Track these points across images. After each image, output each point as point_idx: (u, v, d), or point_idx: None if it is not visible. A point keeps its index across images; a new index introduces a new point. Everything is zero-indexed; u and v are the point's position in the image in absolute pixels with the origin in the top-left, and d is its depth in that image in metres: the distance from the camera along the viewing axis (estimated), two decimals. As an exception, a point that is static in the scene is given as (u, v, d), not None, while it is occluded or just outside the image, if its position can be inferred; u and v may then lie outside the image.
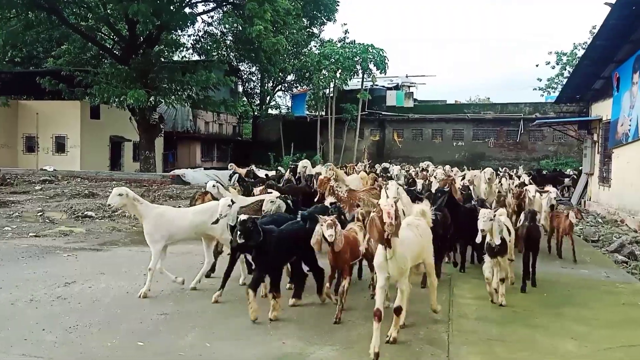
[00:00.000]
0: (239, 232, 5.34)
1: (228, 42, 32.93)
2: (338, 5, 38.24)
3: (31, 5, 23.35)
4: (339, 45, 37.71)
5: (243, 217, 5.59)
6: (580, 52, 37.98)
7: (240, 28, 25.27)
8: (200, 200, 8.26)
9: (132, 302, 6.26)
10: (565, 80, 34.04)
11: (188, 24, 27.30)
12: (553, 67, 45.11)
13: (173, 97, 26.56)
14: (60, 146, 29.80)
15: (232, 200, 6.29)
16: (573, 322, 6.08)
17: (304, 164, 14.06)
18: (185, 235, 7.03)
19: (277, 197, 7.81)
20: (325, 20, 39.36)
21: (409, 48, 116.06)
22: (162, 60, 27.15)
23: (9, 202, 15.00)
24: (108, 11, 25.41)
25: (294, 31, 32.74)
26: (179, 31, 29.53)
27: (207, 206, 7.20)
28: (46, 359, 4.63)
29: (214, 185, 8.65)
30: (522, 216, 7.69)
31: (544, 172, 23.40)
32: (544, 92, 47.31)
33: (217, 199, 8.02)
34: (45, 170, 24.09)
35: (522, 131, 34.87)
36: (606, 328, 5.93)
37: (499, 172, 20.77)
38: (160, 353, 4.82)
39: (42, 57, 31.59)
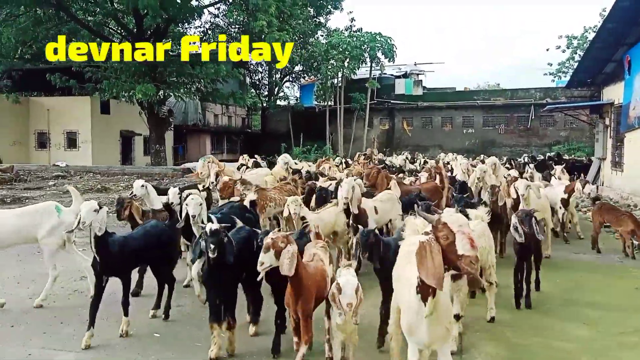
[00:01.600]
0: (212, 246, 4.26)
1: (234, 33, 32.84)
2: (345, -7, 37.98)
3: (39, 2, 23.45)
4: (346, 34, 37.49)
5: (214, 226, 4.42)
6: (590, 36, 37.41)
7: (246, 21, 25.17)
8: (127, 209, 6.76)
9: (149, 295, 6.34)
10: (576, 64, 33.66)
11: (195, 17, 27.29)
12: (564, 51, 44.52)
13: (182, 90, 26.62)
14: (71, 142, 30.04)
15: (99, 205, 5.03)
16: (585, 307, 6.08)
17: (284, 159, 12.82)
18: (7, 241, 5.98)
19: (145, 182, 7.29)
20: (331, 9, 39.12)
21: (416, 35, 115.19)
22: (170, 53, 27.18)
23: (23, 198, 15.19)
24: (115, 5, 25.45)
25: (300, 22, 32.59)
26: (186, 24, 29.52)
27: (33, 208, 6.19)
28: (65, 351, 4.73)
29: (142, 185, 7.34)
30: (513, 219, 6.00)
31: (538, 158, 22.82)
32: (554, 76, 46.73)
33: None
34: (57, 165, 24.32)
35: (533, 117, 34.55)
36: (619, 312, 5.94)
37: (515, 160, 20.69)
38: (176, 343, 4.91)
39: (53, 53, 31.72)
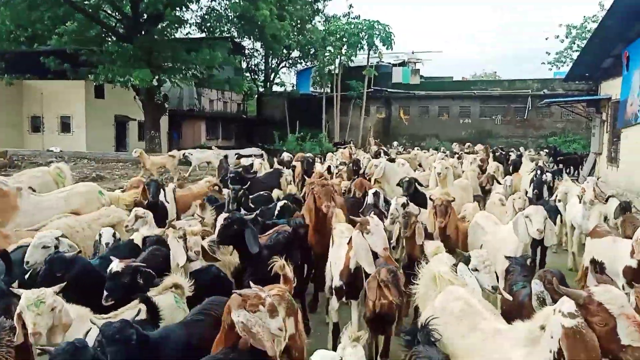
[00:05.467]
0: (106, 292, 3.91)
1: (232, 17, 32.44)
2: (344, -21, 37.67)
3: (35, -16, 23.11)
4: (344, 21, 37.17)
5: (118, 264, 4.05)
6: (590, 25, 37.30)
7: (245, 5, 24.84)
8: None
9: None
10: (575, 54, 33.55)
11: (193, 1, 26.99)
12: (562, 41, 44.36)
13: (178, 76, 26.41)
14: (65, 126, 29.77)
15: (57, 239, 4.63)
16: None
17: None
18: None
19: None
20: (330, -4, 38.80)
21: (414, 21, 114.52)
22: (166, 38, 26.90)
23: (17, 185, 15.03)
24: (111, -11, 25.12)
25: (298, 7, 32.27)
26: (184, 8, 29.16)
27: None
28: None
29: None
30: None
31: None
32: (552, 65, 46.68)
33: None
34: (51, 151, 24.14)
35: (530, 108, 34.49)
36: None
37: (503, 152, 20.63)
38: None
39: (47, 35, 31.34)
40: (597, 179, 9.27)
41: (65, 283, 3.57)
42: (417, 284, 3.93)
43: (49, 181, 8.63)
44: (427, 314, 3.55)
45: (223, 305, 3.27)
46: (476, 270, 3.87)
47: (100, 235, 5.44)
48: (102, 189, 7.86)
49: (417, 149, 22.19)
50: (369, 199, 7.29)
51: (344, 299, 4.83)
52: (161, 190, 7.37)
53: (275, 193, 8.76)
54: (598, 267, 4.28)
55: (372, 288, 4.10)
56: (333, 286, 4.93)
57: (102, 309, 3.75)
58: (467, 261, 3.99)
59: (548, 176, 10.78)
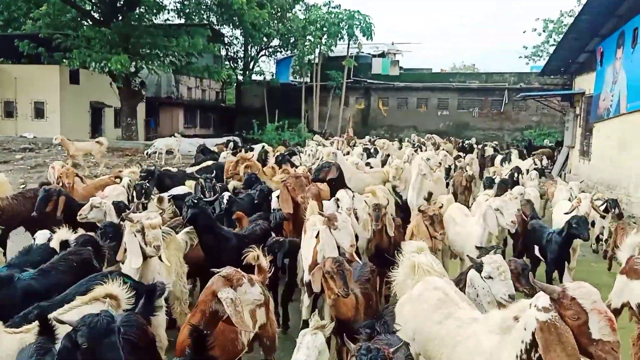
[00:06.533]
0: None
1: (209, 3, 32.08)
2: (324, -32, 37.39)
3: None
4: (324, 10, 37.02)
5: None
6: (566, 20, 37.81)
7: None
8: None
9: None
10: (552, 48, 34.00)
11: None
12: (539, 35, 44.89)
13: (156, 63, 26.03)
14: (39, 112, 29.12)
15: None
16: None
17: None
18: None
19: None
20: (311, -16, 38.59)
21: (393, 12, 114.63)
22: (144, 24, 26.46)
23: (-11, 172, 14.74)
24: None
25: (279, -5, 32.06)
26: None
27: None
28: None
29: None
30: None
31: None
32: (529, 59, 47.26)
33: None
34: (25, 137, 23.68)
35: (507, 101, 34.93)
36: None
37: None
38: None
39: (22, 20, 30.61)
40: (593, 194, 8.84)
41: None
42: (397, 272, 3.99)
43: None
44: (403, 302, 3.68)
45: (140, 328, 3.21)
46: (490, 277, 3.64)
47: (34, 239, 4.91)
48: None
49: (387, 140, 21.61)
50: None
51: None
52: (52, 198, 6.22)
53: (232, 184, 8.57)
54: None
55: (316, 280, 3.88)
56: (304, 281, 4.89)
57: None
58: (478, 269, 3.76)
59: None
